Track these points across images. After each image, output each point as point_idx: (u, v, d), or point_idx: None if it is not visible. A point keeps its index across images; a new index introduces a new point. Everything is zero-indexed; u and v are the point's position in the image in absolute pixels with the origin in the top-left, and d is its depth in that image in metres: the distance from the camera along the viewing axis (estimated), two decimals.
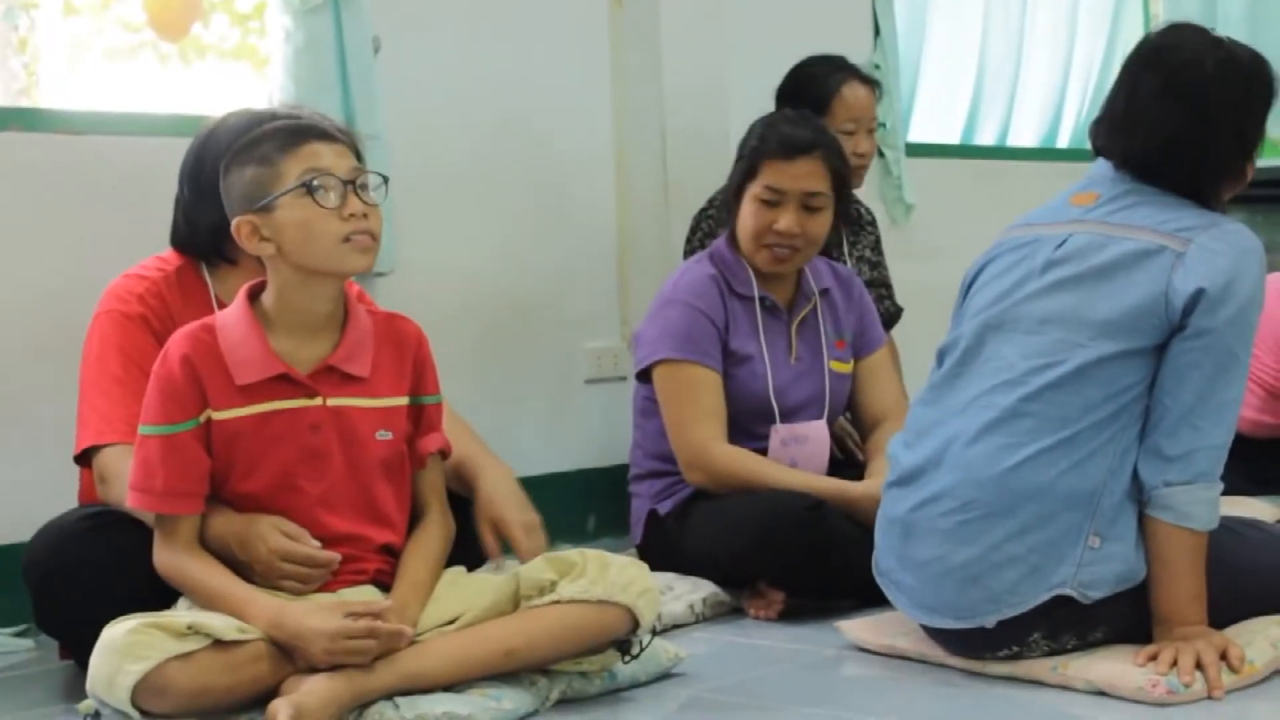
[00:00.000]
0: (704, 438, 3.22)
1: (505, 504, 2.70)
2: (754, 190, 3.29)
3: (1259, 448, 3.79)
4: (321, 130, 2.46)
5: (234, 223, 2.41)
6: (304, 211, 2.39)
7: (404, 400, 2.53)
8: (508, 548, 2.69)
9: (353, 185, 2.41)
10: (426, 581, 2.48)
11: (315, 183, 2.39)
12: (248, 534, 2.40)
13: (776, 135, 3.30)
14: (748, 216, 3.31)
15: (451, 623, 2.44)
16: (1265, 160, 3.84)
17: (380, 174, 2.49)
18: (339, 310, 2.49)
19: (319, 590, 2.43)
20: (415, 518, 2.57)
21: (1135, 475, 2.49)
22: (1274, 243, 5.45)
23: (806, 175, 3.26)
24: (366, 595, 2.43)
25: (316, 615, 2.30)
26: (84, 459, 2.69)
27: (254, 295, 2.47)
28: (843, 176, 3.32)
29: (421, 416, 2.57)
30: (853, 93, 3.84)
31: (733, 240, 3.37)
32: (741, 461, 3.21)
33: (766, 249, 3.29)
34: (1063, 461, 2.48)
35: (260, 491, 2.44)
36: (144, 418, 2.41)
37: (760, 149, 3.30)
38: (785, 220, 3.26)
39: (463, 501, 2.77)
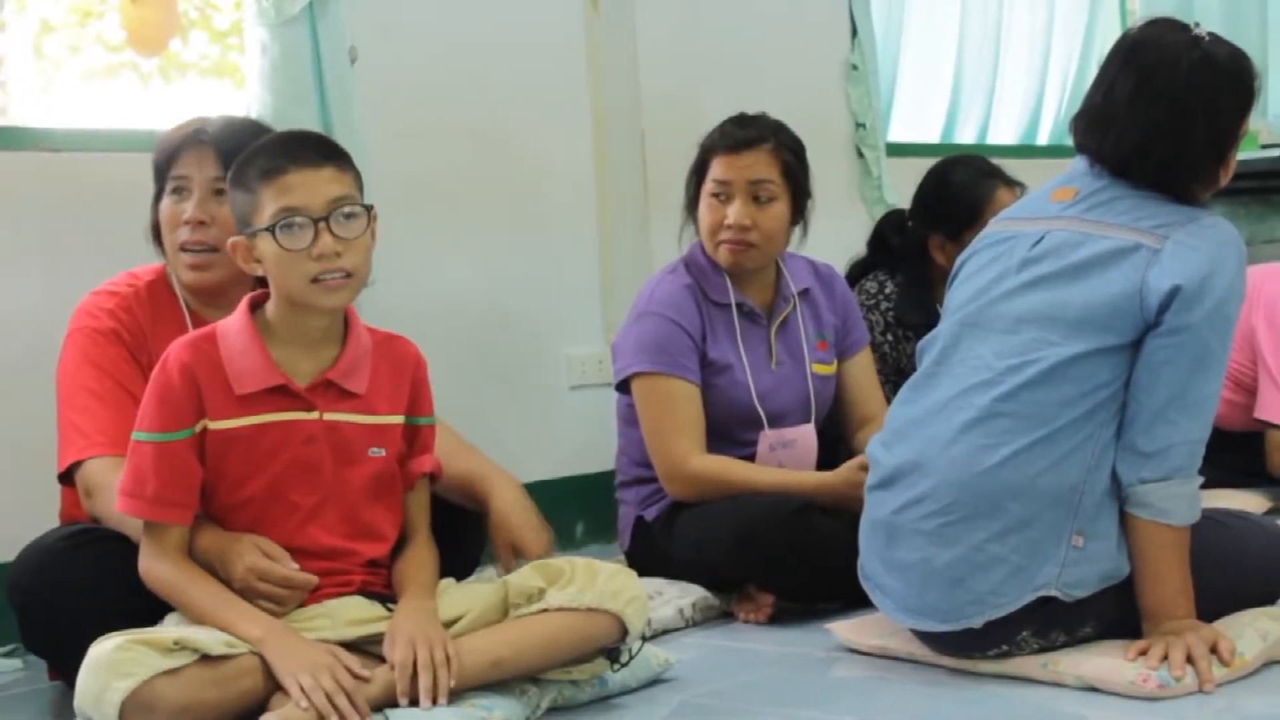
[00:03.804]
0: (681, 450, 3.21)
1: (523, 526, 2.73)
2: (706, 187, 3.31)
3: (1243, 440, 3.80)
4: (305, 157, 2.39)
5: (230, 241, 2.43)
6: (276, 250, 2.37)
7: (399, 419, 2.52)
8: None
9: (326, 221, 2.36)
10: (434, 590, 2.48)
11: (284, 223, 2.35)
12: (228, 552, 2.39)
13: (723, 131, 3.33)
14: (703, 214, 3.33)
15: None
16: (1246, 154, 3.85)
17: (364, 205, 2.41)
18: (338, 325, 2.47)
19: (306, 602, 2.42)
20: (401, 538, 2.56)
21: (1115, 473, 2.49)
22: (1255, 235, 5.47)
23: (752, 165, 3.27)
24: (352, 604, 2.42)
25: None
26: (67, 477, 2.67)
27: (254, 306, 2.46)
28: (797, 171, 3.31)
29: (416, 437, 2.56)
30: (1009, 198, 3.75)
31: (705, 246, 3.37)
32: (718, 469, 3.20)
33: (723, 244, 3.29)
34: (1041, 461, 2.47)
35: (250, 503, 2.42)
36: (139, 424, 2.39)
37: (709, 146, 3.34)
38: (735, 212, 3.26)
39: (458, 511, 2.77)
